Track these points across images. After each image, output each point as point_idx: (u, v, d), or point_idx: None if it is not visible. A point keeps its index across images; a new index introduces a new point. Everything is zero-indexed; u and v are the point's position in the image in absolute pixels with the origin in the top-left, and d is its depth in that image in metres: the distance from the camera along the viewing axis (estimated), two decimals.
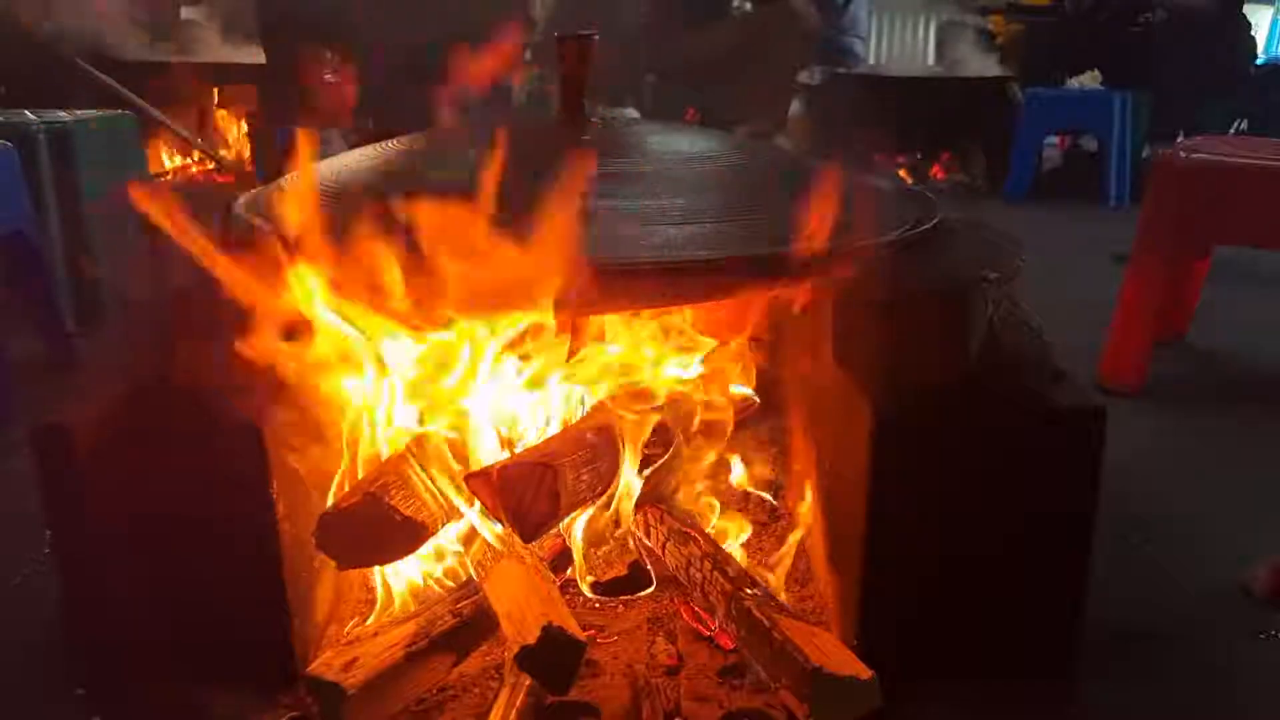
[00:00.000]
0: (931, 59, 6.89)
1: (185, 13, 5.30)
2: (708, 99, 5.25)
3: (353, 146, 1.42)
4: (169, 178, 4.34)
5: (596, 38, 1.28)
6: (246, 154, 4.43)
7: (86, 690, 1.13)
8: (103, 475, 1.06)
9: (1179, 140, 2.96)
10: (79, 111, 2.59)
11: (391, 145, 1.32)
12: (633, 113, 5.23)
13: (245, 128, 4.47)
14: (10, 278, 2.15)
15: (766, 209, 1.16)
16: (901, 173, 5.24)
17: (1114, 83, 4.73)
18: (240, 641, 1.10)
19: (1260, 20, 6.78)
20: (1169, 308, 2.36)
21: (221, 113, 4.54)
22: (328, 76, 3.99)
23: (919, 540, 1.09)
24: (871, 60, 7.08)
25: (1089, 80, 4.79)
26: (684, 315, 1.31)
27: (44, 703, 1.14)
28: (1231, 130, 5.06)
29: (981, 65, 5.21)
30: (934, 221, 1.23)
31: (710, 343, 1.35)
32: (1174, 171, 2.12)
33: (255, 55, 4.04)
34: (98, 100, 2.84)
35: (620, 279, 1.04)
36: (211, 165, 4.37)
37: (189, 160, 4.53)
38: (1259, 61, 5.39)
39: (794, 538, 1.30)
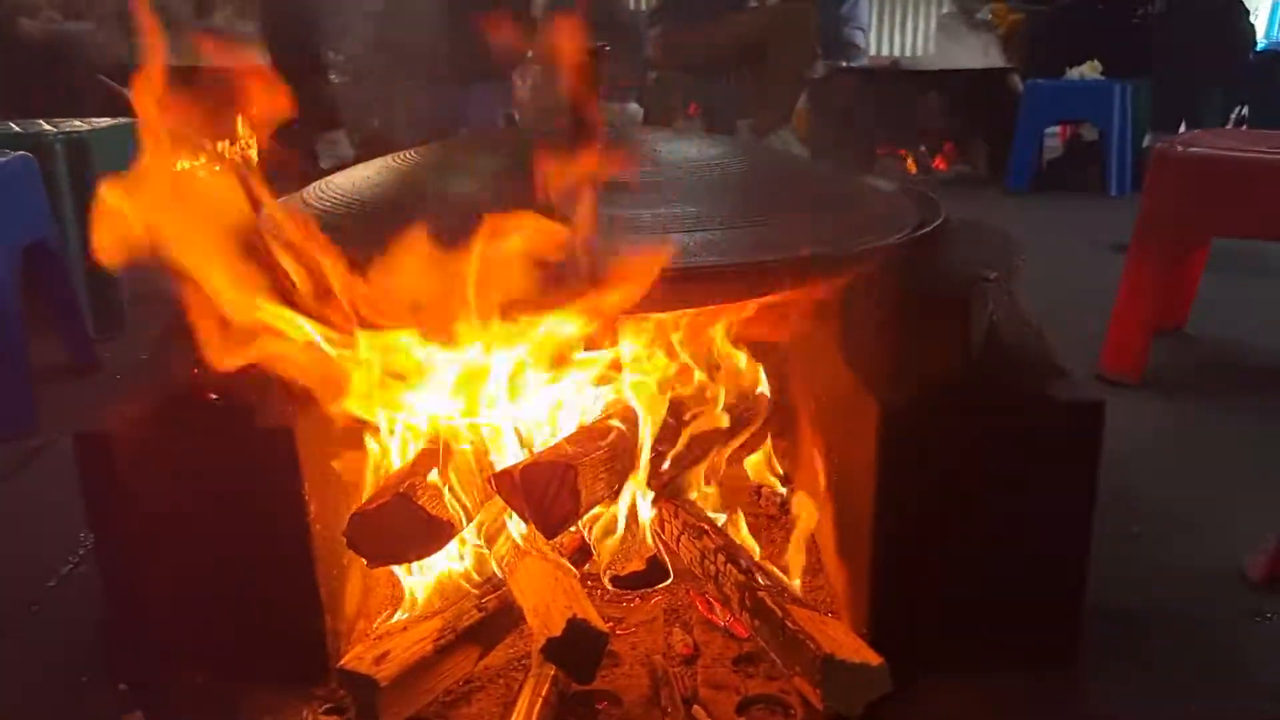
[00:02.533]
0: (933, 50, 6.90)
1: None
2: (712, 93, 5.25)
3: (359, 147, 1.45)
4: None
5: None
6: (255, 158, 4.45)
7: (128, 686, 1.17)
8: (141, 480, 1.10)
9: (1179, 131, 2.99)
10: (95, 120, 2.63)
11: (405, 157, 1.36)
12: (635, 108, 5.24)
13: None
14: (32, 285, 2.19)
15: (776, 215, 1.20)
16: (908, 163, 5.28)
17: (1114, 72, 4.75)
18: (275, 637, 1.15)
19: (1259, 6, 6.79)
20: (1168, 298, 2.39)
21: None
22: (332, 77, 4.01)
23: (925, 532, 1.13)
24: (872, 52, 7.10)
25: (1089, 70, 4.81)
26: (698, 319, 1.35)
27: (87, 698, 1.18)
28: (1232, 117, 5.07)
29: (982, 56, 5.23)
30: (938, 222, 1.26)
31: (723, 344, 1.39)
32: (1171, 165, 2.14)
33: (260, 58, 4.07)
34: (112, 107, 2.86)
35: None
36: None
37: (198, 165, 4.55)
38: (1259, 48, 5.40)
39: (805, 531, 1.34)
